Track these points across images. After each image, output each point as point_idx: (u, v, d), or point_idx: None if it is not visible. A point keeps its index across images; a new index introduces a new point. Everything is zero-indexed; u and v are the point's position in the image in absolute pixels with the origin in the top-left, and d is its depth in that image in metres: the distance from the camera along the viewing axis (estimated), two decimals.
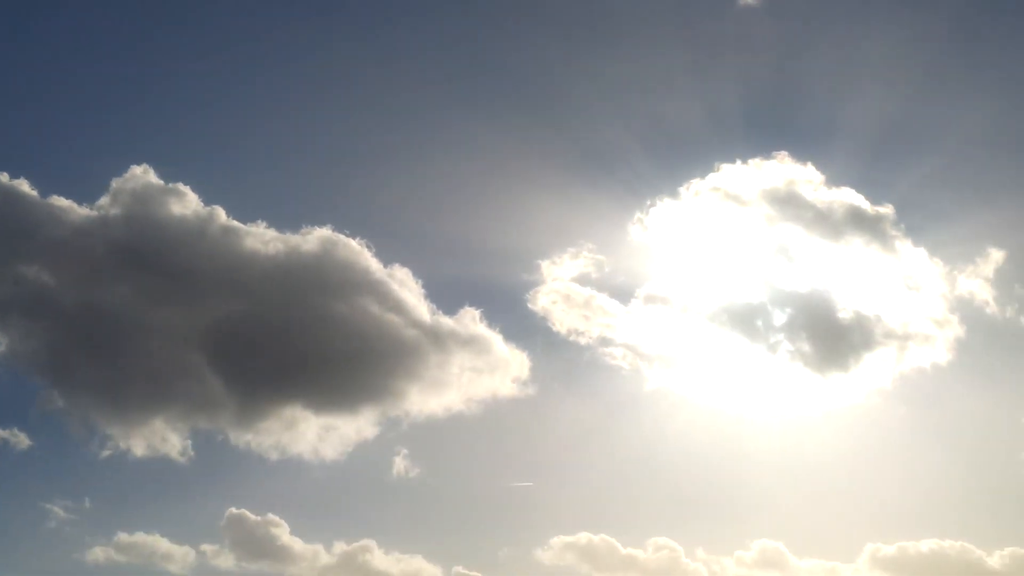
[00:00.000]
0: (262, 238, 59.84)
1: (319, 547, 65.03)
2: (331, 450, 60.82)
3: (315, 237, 60.64)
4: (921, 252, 75.21)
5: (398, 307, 60.61)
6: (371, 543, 65.15)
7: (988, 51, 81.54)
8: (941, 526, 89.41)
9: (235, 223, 60.69)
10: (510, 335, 65.85)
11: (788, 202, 68.66)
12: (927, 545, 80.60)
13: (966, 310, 78.61)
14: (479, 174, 77.32)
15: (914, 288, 75.66)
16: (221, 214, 60.46)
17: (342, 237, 61.28)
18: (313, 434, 59.91)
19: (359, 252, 60.76)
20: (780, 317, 70.43)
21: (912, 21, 79.57)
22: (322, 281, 58.91)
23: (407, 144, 79.46)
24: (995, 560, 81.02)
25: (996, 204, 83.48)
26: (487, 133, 78.28)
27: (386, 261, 62.13)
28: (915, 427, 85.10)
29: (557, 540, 70.20)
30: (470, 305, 64.32)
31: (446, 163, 77.55)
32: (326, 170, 78.69)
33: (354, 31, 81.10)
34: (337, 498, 70.95)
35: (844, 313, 71.14)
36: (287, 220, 67.64)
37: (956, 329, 77.27)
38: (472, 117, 78.81)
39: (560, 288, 68.39)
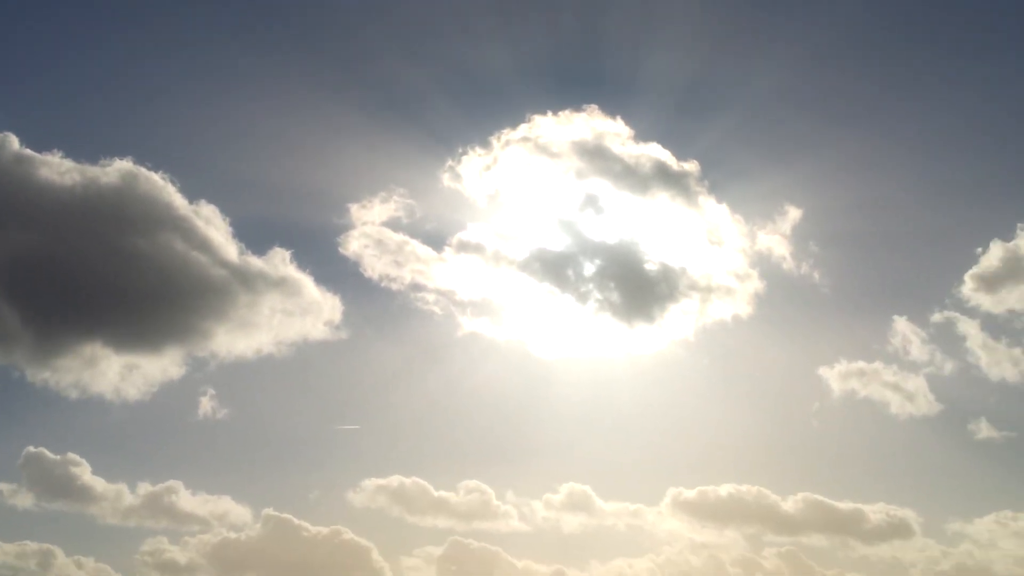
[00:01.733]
0: (58, 168, 57.58)
1: (123, 487, 63.75)
2: (134, 389, 59.55)
3: (115, 169, 58.62)
4: (723, 208, 78.49)
5: (204, 245, 59.40)
6: (177, 484, 64.26)
7: (784, 12, 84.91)
8: (739, 472, 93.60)
9: (28, 152, 58.34)
10: (321, 278, 65.53)
11: (597, 155, 70.60)
12: (726, 489, 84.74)
13: (765, 265, 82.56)
14: (286, 114, 76.49)
15: (717, 243, 78.97)
16: (14, 141, 58.01)
17: (144, 170, 59.48)
18: (115, 373, 58.48)
19: (162, 187, 59.13)
20: (590, 267, 72.61)
21: None
22: (123, 215, 57.10)
23: (213, 81, 78.05)
24: (788, 504, 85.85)
25: (793, 164, 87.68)
26: (294, 74, 77.62)
27: (191, 197, 60.78)
28: (716, 377, 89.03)
29: (369, 483, 70.87)
30: (280, 246, 63.63)
31: (253, 102, 76.41)
32: (128, 101, 76.50)
33: None
34: (141, 438, 69.68)
35: (651, 265, 73.76)
36: (85, 150, 65.29)
37: (756, 283, 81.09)
38: (278, 56, 78.15)
39: (372, 232, 68.59)
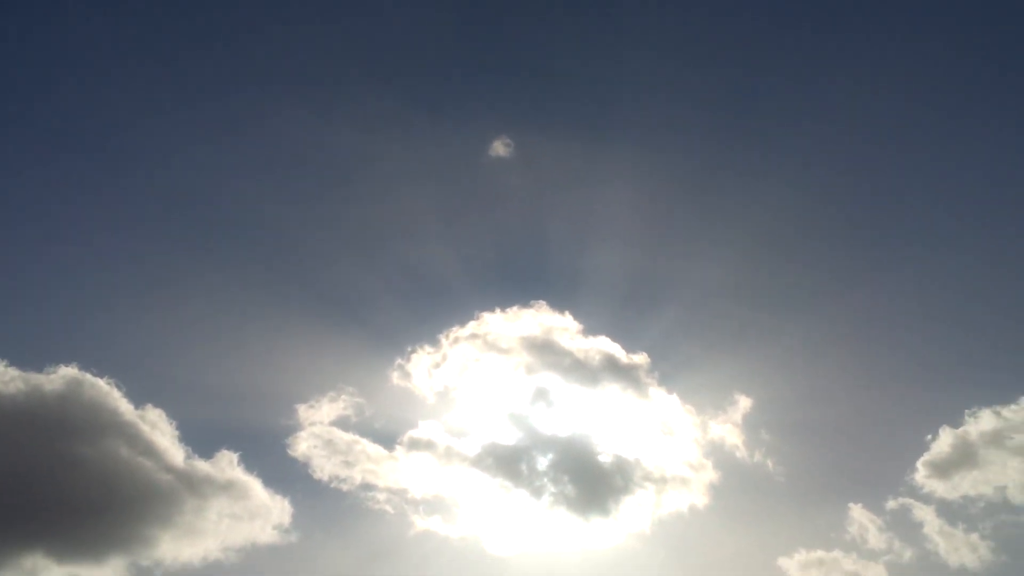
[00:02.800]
0: (1, 377, 57.85)
1: None
2: None
3: (60, 376, 58.86)
4: (674, 399, 79.27)
5: (150, 450, 59.17)
6: None
7: (722, 203, 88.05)
8: None
9: None
10: (270, 480, 64.98)
11: (546, 350, 71.73)
12: None
13: (719, 455, 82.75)
14: (232, 317, 77.00)
15: (669, 433, 79.36)
16: None
17: (88, 376, 59.71)
18: None
19: (107, 392, 59.26)
20: (543, 461, 72.55)
21: (647, 175, 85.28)
22: (67, 422, 57.11)
23: (158, 286, 78.61)
24: None
25: (740, 353, 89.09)
26: (239, 277, 78.62)
27: (137, 402, 60.72)
28: (674, 570, 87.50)
29: None
30: (227, 449, 63.29)
31: (198, 306, 77.10)
32: (71, 307, 76.88)
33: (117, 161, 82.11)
34: None
35: (604, 457, 73.77)
36: (29, 358, 64.74)
37: (710, 473, 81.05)
38: (222, 260, 79.38)
39: (320, 433, 68.48)
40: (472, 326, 71.31)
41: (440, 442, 71.58)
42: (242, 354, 76.55)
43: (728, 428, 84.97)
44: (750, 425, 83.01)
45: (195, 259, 79.63)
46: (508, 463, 71.29)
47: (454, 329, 71.27)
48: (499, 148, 77.42)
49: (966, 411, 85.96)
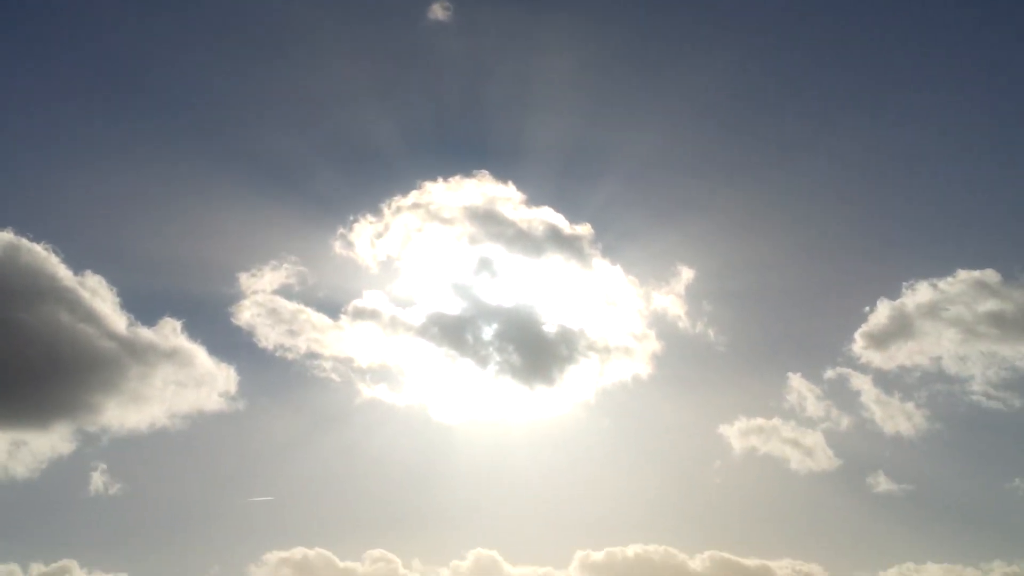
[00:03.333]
0: None
1: (15, 567, 61.94)
2: (22, 467, 58.46)
3: None
4: (617, 270, 79.99)
5: (90, 317, 58.84)
6: (71, 563, 62.55)
7: (663, 72, 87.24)
8: (645, 532, 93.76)
9: None
10: (215, 349, 65.05)
11: (490, 220, 71.77)
12: (633, 550, 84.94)
13: (661, 325, 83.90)
14: (170, 183, 76.34)
15: (613, 304, 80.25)
16: None
17: (25, 242, 59.06)
18: (1, 450, 57.77)
19: (45, 258, 58.70)
20: (488, 331, 73.26)
21: (590, 43, 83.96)
22: (4, 288, 56.63)
23: (94, 150, 77.98)
24: (696, 563, 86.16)
25: (682, 224, 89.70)
26: (177, 143, 77.71)
27: (76, 268, 60.22)
28: (619, 438, 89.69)
29: (271, 555, 69.76)
30: (170, 316, 63.21)
31: (135, 171, 76.17)
32: (6, 172, 75.84)
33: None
34: (31, 517, 67.87)
35: (549, 327, 74.60)
36: None
37: (653, 343, 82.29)
38: (161, 124, 78.53)
39: (264, 301, 68.54)
40: (414, 196, 71.11)
41: (385, 312, 72.08)
42: (182, 222, 75.98)
43: (671, 299, 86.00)
44: (692, 295, 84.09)
45: (134, 128, 78.34)
46: (453, 333, 72.00)
47: (396, 199, 71.04)
48: (438, 11, 75.87)
49: (903, 284, 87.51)
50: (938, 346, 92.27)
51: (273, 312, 67.71)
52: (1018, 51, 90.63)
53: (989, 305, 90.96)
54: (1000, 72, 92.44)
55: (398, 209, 70.59)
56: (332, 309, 70.57)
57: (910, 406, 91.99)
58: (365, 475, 76.21)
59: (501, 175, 72.14)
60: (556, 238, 72.81)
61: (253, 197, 73.25)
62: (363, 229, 70.48)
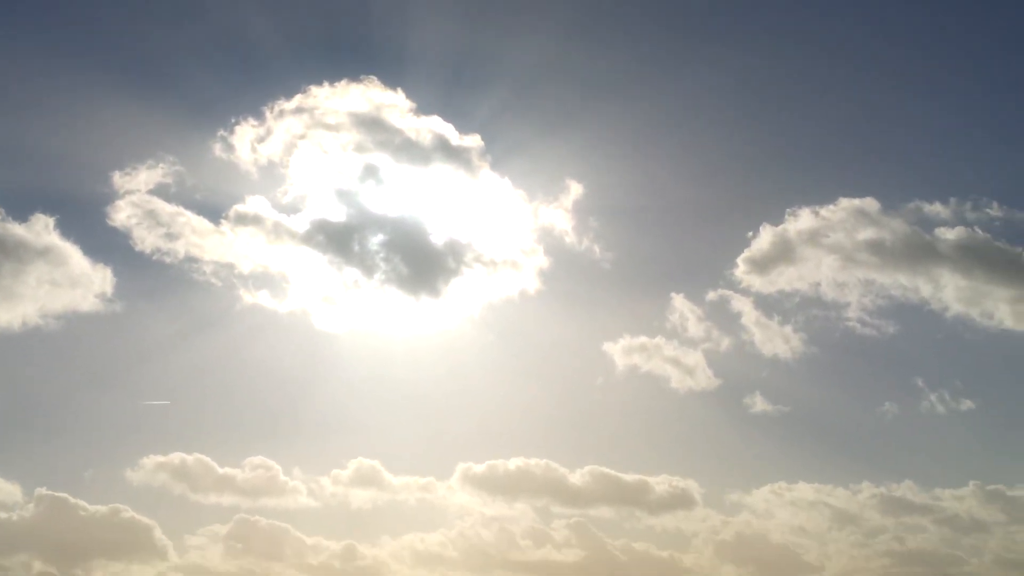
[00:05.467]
0: None
1: None
2: None
3: None
4: (506, 183, 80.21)
5: None
6: None
7: None
8: (527, 446, 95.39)
9: None
10: (90, 249, 63.35)
11: (377, 127, 71.08)
12: (514, 463, 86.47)
13: (549, 240, 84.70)
14: (42, 79, 73.44)
15: (501, 218, 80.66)
16: None
17: None
18: None
19: None
20: (374, 240, 73.05)
21: None
22: None
23: None
24: (576, 477, 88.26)
25: (572, 138, 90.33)
26: (48, 38, 74.78)
27: None
28: (504, 352, 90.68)
29: (149, 460, 69.30)
30: (42, 212, 61.69)
31: (6, 62, 73.54)
32: None
33: None
34: None
35: (436, 239, 74.67)
36: None
37: (541, 259, 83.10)
38: (32, 22, 74.96)
39: (140, 202, 67.07)
40: (299, 100, 69.91)
41: (268, 217, 71.32)
42: (52, 117, 72.80)
43: (559, 213, 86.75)
44: (580, 211, 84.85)
45: (2, 19, 75.73)
46: (339, 240, 71.56)
47: (279, 102, 69.74)
48: None
49: (787, 210, 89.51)
50: (817, 272, 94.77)
51: (151, 214, 66.37)
52: None
53: (868, 233, 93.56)
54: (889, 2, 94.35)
55: (281, 113, 69.43)
56: (212, 213, 69.31)
57: (788, 330, 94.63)
58: (246, 382, 76.01)
59: (390, 81, 71.12)
60: (444, 148, 72.55)
61: (128, 93, 71.12)
62: (244, 132, 69.01)
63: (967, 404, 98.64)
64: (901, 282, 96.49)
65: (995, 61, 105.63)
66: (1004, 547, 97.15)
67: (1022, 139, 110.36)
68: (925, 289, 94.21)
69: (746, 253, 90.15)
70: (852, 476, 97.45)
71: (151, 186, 67.27)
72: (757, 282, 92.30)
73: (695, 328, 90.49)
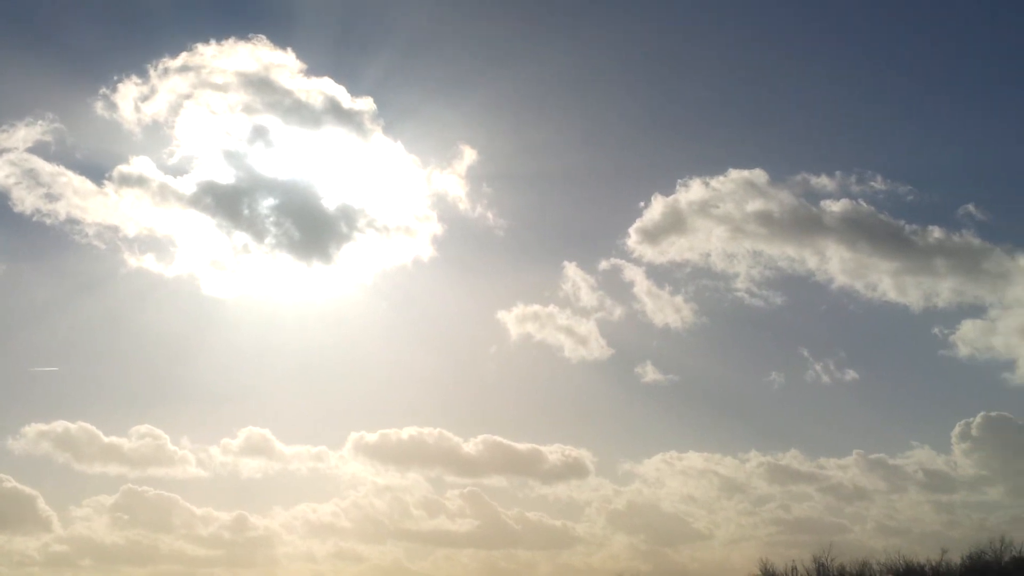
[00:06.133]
0: None
1: None
2: None
3: None
4: (399, 147, 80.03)
5: None
6: None
7: None
8: (420, 415, 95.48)
9: None
10: None
11: (266, 88, 70.06)
12: (408, 432, 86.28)
13: (442, 207, 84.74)
14: None
15: (394, 183, 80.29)
16: None
17: None
18: None
19: None
20: (265, 204, 72.03)
21: None
22: None
23: None
24: (470, 446, 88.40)
25: (465, 103, 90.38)
26: None
27: None
28: (397, 320, 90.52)
29: (31, 428, 67.27)
30: None
31: None
32: None
33: None
34: None
35: (328, 203, 74.01)
36: None
37: (435, 225, 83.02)
38: None
39: (18, 161, 65.51)
40: (184, 58, 68.58)
41: (153, 179, 69.68)
42: None
43: (453, 180, 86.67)
44: (474, 177, 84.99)
45: None
46: (227, 204, 70.31)
47: (164, 60, 68.37)
48: None
49: (678, 180, 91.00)
50: (707, 243, 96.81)
51: (30, 173, 64.57)
52: None
53: (756, 204, 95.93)
54: None
55: (166, 71, 67.91)
56: (95, 173, 67.65)
57: (679, 299, 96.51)
58: (131, 348, 74.30)
59: (279, 41, 70.21)
60: (336, 111, 71.88)
61: (3, 46, 69.16)
62: (127, 90, 67.51)
63: (851, 374, 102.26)
64: (788, 254, 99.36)
65: (881, 37, 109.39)
66: (885, 515, 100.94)
67: (906, 114, 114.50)
68: (811, 261, 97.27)
69: (638, 223, 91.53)
70: (740, 445, 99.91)
71: (30, 144, 65.42)
72: (649, 252, 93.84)
73: (588, 297, 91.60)
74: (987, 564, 72.10)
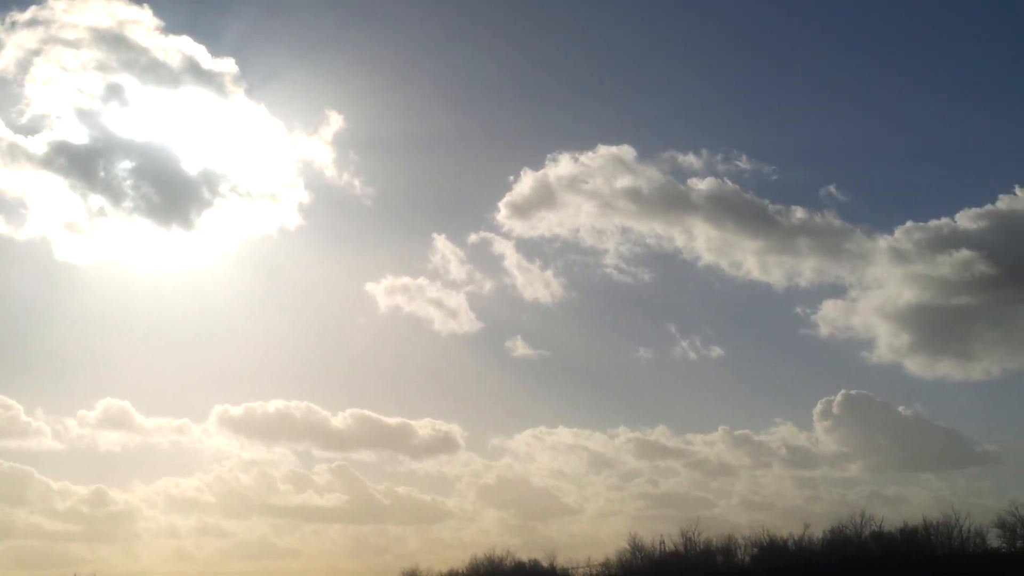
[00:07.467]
0: None
1: None
2: None
3: None
4: (263, 110, 78.93)
5: None
6: None
7: None
8: (287, 388, 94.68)
9: None
10: None
11: (121, 45, 68.46)
12: (274, 406, 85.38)
13: (309, 174, 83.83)
14: None
15: (258, 148, 79.20)
16: None
17: None
18: None
19: None
20: (122, 166, 70.40)
21: None
22: None
23: None
24: (338, 420, 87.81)
25: (332, 67, 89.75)
26: None
27: None
28: (262, 291, 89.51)
29: None
30: None
31: None
32: None
33: None
34: None
35: (189, 167, 72.61)
36: None
37: (301, 193, 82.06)
38: None
39: None
40: (33, 11, 66.62)
41: (2, 137, 67.40)
42: None
43: (319, 146, 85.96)
44: (341, 144, 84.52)
45: None
46: (82, 165, 68.54)
47: (12, 13, 66.37)
48: None
49: (547, 156, 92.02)
50: (577, 218, 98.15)
51: None
52: None
53: (625, 181, 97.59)
54: None
55: (14, 25, 66.00)
56: None
57: (549, 274, 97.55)
58: None
59: None
60: (195, 71, 70.76)
61: None
62: None
63: (716, 351, 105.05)
64: (656, 231, 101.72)
65: (749, 19, 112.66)
66: (750, 490, 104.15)
67: (771, 95, 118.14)
68: (679, 238, 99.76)
69: (507, 197, 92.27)
70: (609, 421, 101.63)
71: None
72: (519, 226, 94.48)
73: (457, 270, 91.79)
74: (847, 538, 74.85)
